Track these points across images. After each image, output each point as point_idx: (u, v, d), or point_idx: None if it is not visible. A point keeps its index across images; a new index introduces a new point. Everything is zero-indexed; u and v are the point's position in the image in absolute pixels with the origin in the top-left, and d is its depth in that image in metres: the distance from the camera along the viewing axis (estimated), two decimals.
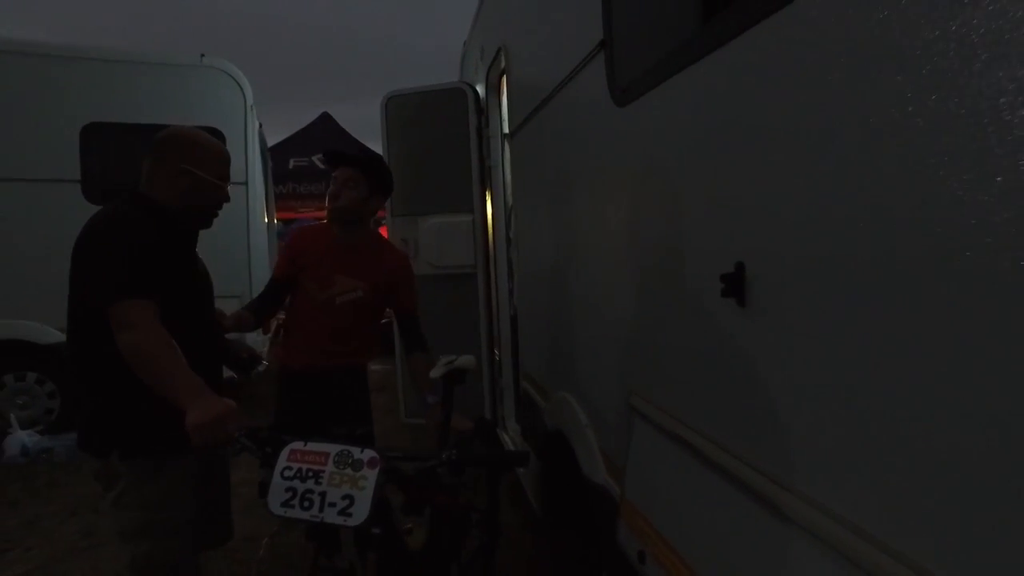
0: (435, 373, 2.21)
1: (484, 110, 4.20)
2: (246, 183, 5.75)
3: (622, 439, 1.88)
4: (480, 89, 4.27)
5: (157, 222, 1.96)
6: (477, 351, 4.16)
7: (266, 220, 6.77)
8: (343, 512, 1.40)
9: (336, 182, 2.56)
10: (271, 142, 9.96)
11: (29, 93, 5.30)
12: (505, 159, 4.16)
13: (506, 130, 4.08)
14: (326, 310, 2.60)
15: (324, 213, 2.87)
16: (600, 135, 1.98)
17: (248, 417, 1.66)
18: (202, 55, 5.71)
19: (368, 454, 1.46)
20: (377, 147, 4.65)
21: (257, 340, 5.57)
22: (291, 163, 11.26)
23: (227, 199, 2.14)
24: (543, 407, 2.94)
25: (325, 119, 12.12)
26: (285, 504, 1.45)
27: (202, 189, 2.03)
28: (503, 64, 3.66)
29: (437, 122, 4.24)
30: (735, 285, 1.13)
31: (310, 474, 1.46)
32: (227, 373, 2.36)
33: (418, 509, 2.02)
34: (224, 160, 2.10)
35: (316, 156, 11.02)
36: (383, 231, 4.62)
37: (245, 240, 5.77)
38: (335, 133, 11.58)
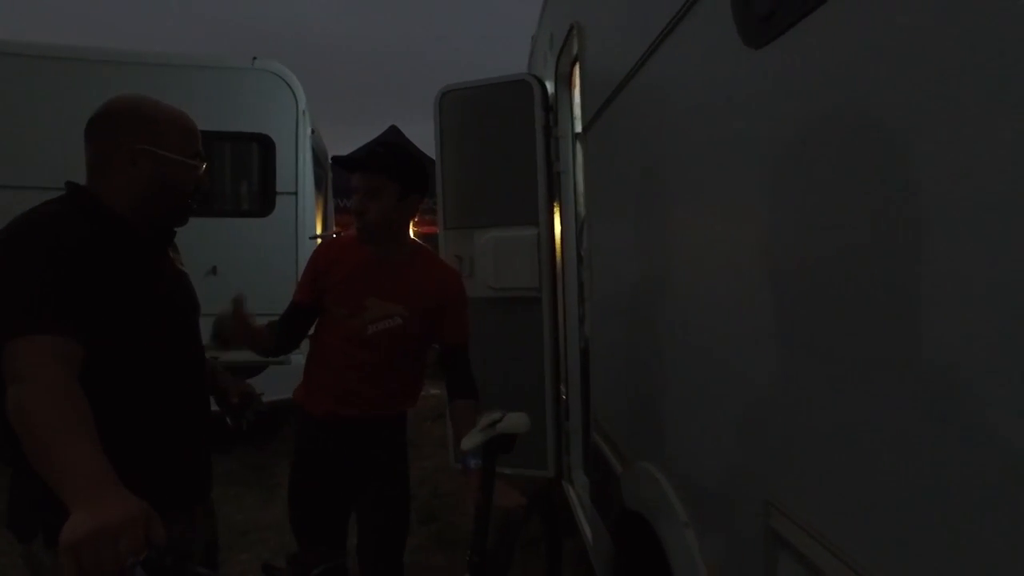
0: (468, 443, 1.60)
1: (552, 106, 3.59)
2: (296, 193, 5.33)
3: (750, 568, 1.21)
4: (549, 85, 3.67)
5: (98, 226, 1.44)
6: (540, 388, 3.53)
7: (320, 233, 6.37)
8: None
9: (358, 194, 2.05)
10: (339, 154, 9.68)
11: (83, 98, 5.04)
12: (577, 162, 3.54)
13: (578, 128, 3.47)
14: (356, 342, 2.11)
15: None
16: (720, 99, 1.32)
17: (164, 530, 1.07)
18: (254, 58, 5.35)
19: None
20: None
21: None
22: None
23: (205, 184, 1.62)
24: (619, 473, 2.28)
25: (393, 132, 11.83)
26: None
27: (170, 174, 1.52)
28: (575, 47, 3.04)
29: (498, 121, 3.67)
30: None
31: None
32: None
33: None
34: (191, 132, 1.58)
35: None
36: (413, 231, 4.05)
37: (293, 254, 5.32)
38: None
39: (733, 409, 1.35)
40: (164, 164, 1.51)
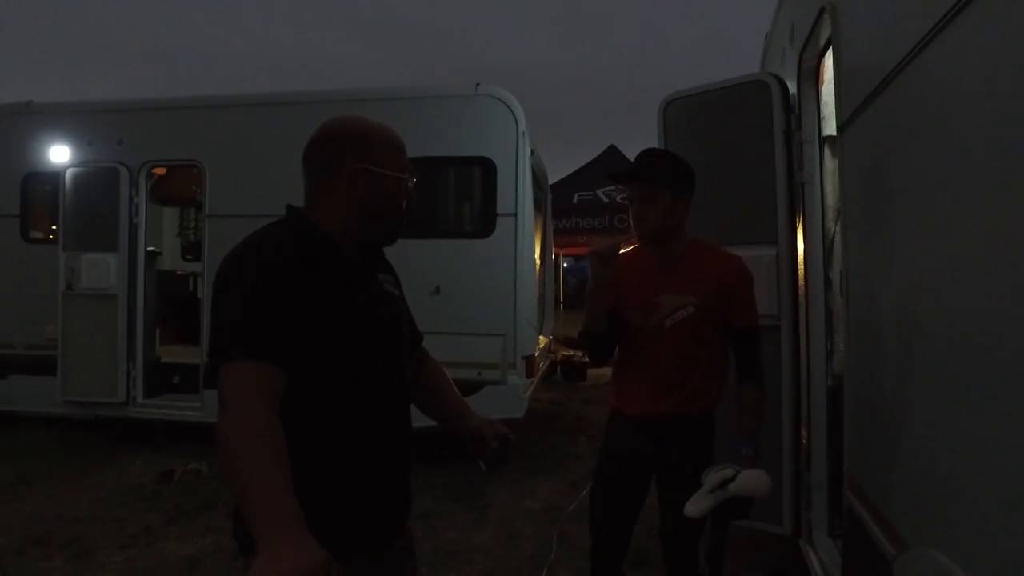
0: (694, 508, 1.30)
1: (795, 107, 3.14)
2: (515, 214, 5.31)
3: None
4: (789, 84, 3.23)
5: (308, 247, 1.41)
6: (777, 430, 3.07)
7: (538, 254, 6.33)
8: None
9: (634, 203, 2.28)
10: (556, 178, 9.73)
11: None
12: (825, 170, 3.05)
13: (828, 130, 2.99)
14: (655, 339, 2.28)
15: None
16: None
17: None
18: (477, 84, 5.47)
19: None
20: None
21: None
22: (575, 197, 10.98)
23: (412, 199, 1.55)
24: (889, 556, 1.81)
25: (611, 152, 11.71)
26: None
27: (385, 190, 1.49)
28: (827, 33, 2.60)
29: (730, 128, 3.31)
30: None
31: None
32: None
33: None
34: (400, 147, 1.54)
35: (600, 190, 10.66)
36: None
37: (512, 276, 5.30)
38: (621, 166, 11.07)
39: None
40: (381, 181, 1.47)
